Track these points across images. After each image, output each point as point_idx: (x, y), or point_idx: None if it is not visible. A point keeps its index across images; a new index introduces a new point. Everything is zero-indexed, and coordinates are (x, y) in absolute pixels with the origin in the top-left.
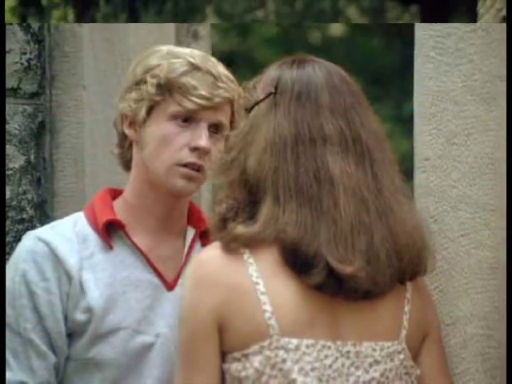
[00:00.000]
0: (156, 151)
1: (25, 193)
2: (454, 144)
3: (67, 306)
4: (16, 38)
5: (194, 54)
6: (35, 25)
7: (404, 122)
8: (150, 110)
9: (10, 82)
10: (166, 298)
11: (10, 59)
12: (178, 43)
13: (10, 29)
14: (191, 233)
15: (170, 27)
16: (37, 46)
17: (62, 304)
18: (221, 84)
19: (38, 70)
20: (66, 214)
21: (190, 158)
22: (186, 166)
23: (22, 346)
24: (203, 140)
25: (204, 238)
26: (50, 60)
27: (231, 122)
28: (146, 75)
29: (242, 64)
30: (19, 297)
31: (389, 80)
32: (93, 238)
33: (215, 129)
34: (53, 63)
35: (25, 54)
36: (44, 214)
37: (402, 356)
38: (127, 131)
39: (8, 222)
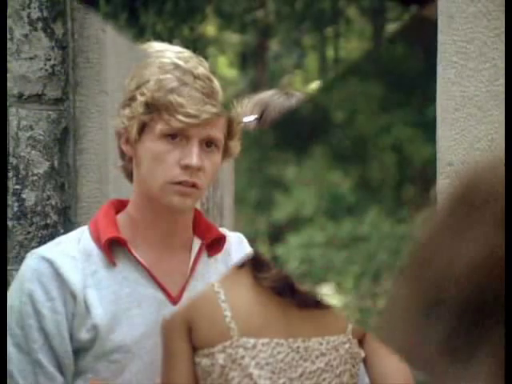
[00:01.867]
0: (149, 169)
1: (49, 198)
2: (478, 149)
3: (73, 325)
4: (41, 45)
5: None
6: (59, 31)
7: (427, 128)
8: (141, 129)
9: (35, 88)
10: (171, 312)
11: (34, 65)
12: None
13: (35, 35)
14: (197, 245)
15: None
16: (61, 52)
17: (68, 323)
18: (208, 99)
19: (62, 76)
20: (90, 219)
21: (183, 176)
22: (179, 183)
23: (31, 366)
24: (193, 158)
25: (210, 249)
26: (74, 66)
27: (228, 132)
28: (137, 92)
29: None
30: (26, 317)
31: (412, 85)
32: (96, 254)
33: (207, 143)
34: (77, 69)
35: (49, 60)
36: (68, 219)
37: (347, 345)
38: (124, 147)
39: (32, 228)
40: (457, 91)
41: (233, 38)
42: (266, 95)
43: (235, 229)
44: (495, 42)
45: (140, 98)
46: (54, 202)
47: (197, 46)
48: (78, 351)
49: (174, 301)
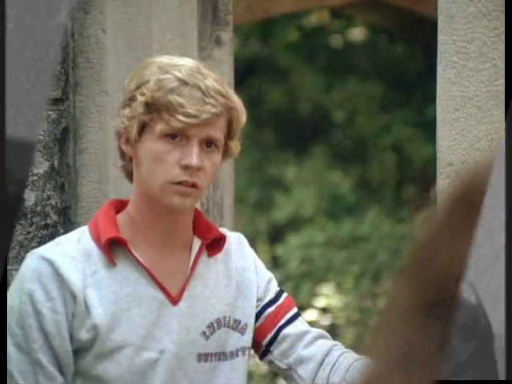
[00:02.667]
0: (149, 169)
1: (49, 198)
2: (478, 149)
3: (73, 325)
4: None
5: (184, 67)
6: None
7: (427, 128)
8: (141, 129)
9: None
10: (171, 313)
11: None
12: (201, 49)
13: None
14: (197, 245)
15: (193, 33)
16: (61, 52)
17: (68, 323)
18: (208, 99)
19: (62, 76)
20: (90, 219)
21: (183, 176)
22: (179, 183)
23: (31, 366)
24: (193, 158)
25: (210, 249)
26: (74, 66)
27: (228, 132)
28: (137, 92)
29: (264, 69)
30: (26, 317)
31: (411, 85)
32: (96, 254)
33: (207, 143)
34: (76, 69)
35: None
36: (68, 219)
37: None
38: (124, 147)
39: (32, 228)
40: (457, 91)
41: None
42: None
43: (235, 229)
44: (495, 42)
45: (140, 98)
46: (53, 202)
47: None
48: (78, 351)
49: (174, 301)
